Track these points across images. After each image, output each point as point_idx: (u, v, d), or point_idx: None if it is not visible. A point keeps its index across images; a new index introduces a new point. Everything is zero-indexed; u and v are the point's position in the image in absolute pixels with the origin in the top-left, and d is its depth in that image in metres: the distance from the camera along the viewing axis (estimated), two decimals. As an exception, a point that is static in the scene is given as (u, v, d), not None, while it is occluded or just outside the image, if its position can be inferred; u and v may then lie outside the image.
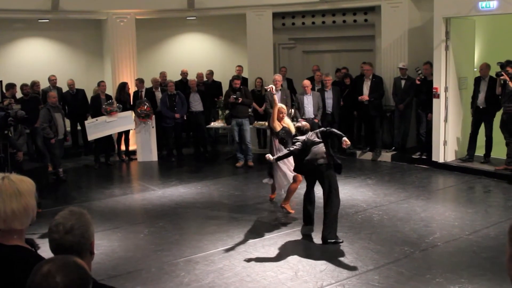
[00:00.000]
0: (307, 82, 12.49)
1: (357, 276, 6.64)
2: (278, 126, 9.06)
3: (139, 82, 14.40)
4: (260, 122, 13.66)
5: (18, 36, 15.82)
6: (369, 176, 11.76)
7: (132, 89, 14.57)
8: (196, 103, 14.20)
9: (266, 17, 15.15)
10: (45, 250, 2.73)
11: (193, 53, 17.11)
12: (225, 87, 14.79)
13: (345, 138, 7.90)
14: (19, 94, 13.26)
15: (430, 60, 12.29)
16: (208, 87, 15.06)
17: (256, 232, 8.40)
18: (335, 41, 15.77)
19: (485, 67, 11.61)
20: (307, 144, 8.02)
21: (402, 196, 10.20)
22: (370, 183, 11.25)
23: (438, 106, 12.08)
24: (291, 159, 8.82)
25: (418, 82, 12.44)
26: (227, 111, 13.78)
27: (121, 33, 15.19)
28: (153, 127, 13.95)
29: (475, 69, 12.74)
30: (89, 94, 14.54)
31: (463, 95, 12.35)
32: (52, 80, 14.42)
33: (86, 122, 13.52)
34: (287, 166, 9.05)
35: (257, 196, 10.49)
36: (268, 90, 9.77)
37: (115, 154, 14.46)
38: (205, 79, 15.39)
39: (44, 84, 14.36)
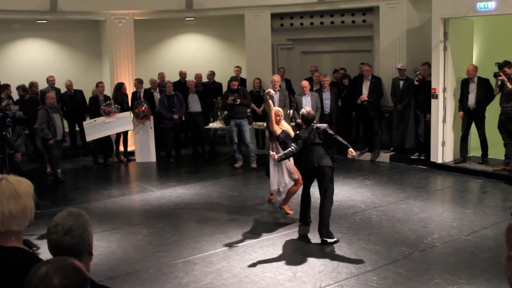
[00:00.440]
0: (305, 83, 12.48)
1: (356, 277, 6.64)
2: (278, 130, 9.03)
3: (138, 82, 14.39)
4: (259, 123, 13.66)
5: (16, 37, 15.81)
6: (367, 177, 11.76)
7: (130, 89, 14.56)
8: (195, 104, 14.19)
9: (265, 18, 15.16)
10: (43, 251, 2.73)
11: (192, 54, 17.11)
12: (225, 88, 14.80)
13: (351, 149, 7.92)
14: (14, 95, 13.24)
15: (429, 61, 12.30)
16: (209, 87, 15.05)
17: (254, 233, 8.40)
18: (334, 41, 15.78)
19: (472, 69, 11.61)
20: (309, 142, 8.03)
21: (401, 196, 10.20)
22: (369, 183, 11.25)
23: (437, 106, 12.08)
24: (289, 165, 8.92)
25: (416, 83, 12.45)
26: (225, 112, 13.77)
27: (119, 33, 15.18)
28: (151, 128, 13.95)
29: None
30: (88, 95, 14.54)
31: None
32: (50, 81, 14.42)
33: (84, 123, 13.51)
34: (286, 171, 9.05)
35: (255, 197, 10.49)
36: (266, 92, 9.81)
37: (114, 155, 14.45)
38: (206, 79, 15.38)
39: (42, 85, 14.35)
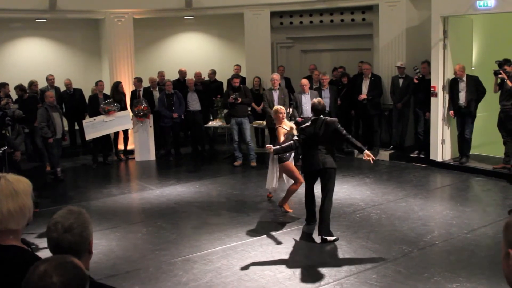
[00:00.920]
0: (305, 81, 12.48)
1: (355, 275, 6.64)
2: (282, 136, 8.97)
3: (137, 81, 14.39)
4: (258, 121, 13.66)
5: (16, 35, 15.80)
6: (367, 175, 11.76)
7: (129, 88, 14.56)
8: (194, 102, 14.18)
9: (264, 16, 15.16)
10: (43, 250, 2.72)
11: (191, 53, 17.11)
12: (225, 87, 14.79)
13: (366, 152, 7.91)
14: (12, 94, 13.23)
15: (428, 59, 12.30)
16: (209, 86, 15.05)
17: (254, 231, 8.39)
18: (333, 40, 15.78)
19: (459, 68, 11.59)
20: (316, 137, 7.94)
21: (400, 195, 10.20)
22: (368, 182, 11.25)
23: (436, 105, 12.09)
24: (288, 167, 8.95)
25: (416, 81, 12.45)
26: (225, 110, 13.77)
27: (118, 32, 15.18)
28: (151, 126, 13.95)
29: (473, 68, 12.76)
30: (87, 94, 14.53)
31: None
32: (50, 80, 14.42)
33: (84, 121, 13.52)
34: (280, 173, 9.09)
35: (255, 196, 10.49)
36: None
37: (113, 154, 14.46)
38: (207, 78, 15.37)
39: (42, 84, 14.35)
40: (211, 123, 14.49)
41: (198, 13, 15.86)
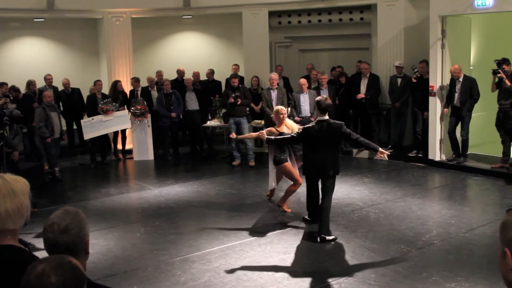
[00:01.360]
0: (303, 81, 12.47)
1: (354, 275, 6.63)
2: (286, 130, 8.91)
3: (135, 81, 14.41)
4: (257, 121, 13.66)
5: (14, 35, 15.80)
6: (365, 175, 11.76)
7: (127, 87, 14.56)
8: (192, 102, 14.18)
9: (262, 16, 15.16)
10: (40, 250, 2.72)
11: (189, 52, 17.10)
12: (224, 87, 14.79)
13: (380, 150, 7.91)
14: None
15: (426, 58, 12.31)
16: (207, 86, 15.04)
17: (252, 231, 8.39)
18: (331, 39, 15.78)
19: (454, 69, 11.59)
20: (318, 138, 7.82)
21: (399, 194, 10.20)
22: (367, 181, 11.25)
23: (434, 104, 12.09)
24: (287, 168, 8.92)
25: (414, 80, 12.46)
26: (224, 110, 13.76)
27: (117, 32, 15.18)
28: (149, 126, 13.94)
29: (471, 68, 12.76)
30: (85, 93, 14.51)
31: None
32: (48, 79, 14.41)
33: (82, 121, 13.52)
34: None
35: (253, 195, 10.48)
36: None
37: (111, 153, 14.45)
38: (205, 77, 15.36)
39: (40, 83, 14.33)
40: (210, 123, 14.48)
41: (196, 13, 15.85)
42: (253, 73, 14.63)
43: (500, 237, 2.01)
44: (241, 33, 15.40)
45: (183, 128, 15.16)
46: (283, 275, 6.69)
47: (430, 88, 12.09)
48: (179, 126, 14.44)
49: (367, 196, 10.16)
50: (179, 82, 14.93)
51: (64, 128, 13.74)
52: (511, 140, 11.11)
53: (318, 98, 8.21)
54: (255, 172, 12.38)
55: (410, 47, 13.40)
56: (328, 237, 7.77)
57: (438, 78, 11.98)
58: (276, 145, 8.86)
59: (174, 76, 15.31)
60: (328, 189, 7.95)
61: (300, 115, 12.26)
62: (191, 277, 6.69)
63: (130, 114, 13.77)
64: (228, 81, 13.62)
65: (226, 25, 16.84)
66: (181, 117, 13.99)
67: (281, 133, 8.78)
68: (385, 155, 7.96)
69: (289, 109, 12.36)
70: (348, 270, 6.79)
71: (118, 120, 13.54)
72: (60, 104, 14.31)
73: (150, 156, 14.09)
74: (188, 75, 14.89)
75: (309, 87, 12.83)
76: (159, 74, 15.13)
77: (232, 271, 6.85)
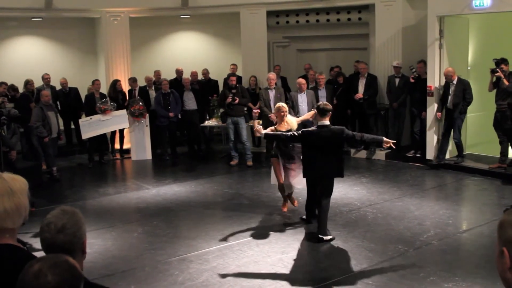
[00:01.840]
0: (302, 80, 12.44)
1: (351, 275, 6.64)
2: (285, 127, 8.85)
3: (132, 81, 14.41)
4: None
5: (12, 34, 15.78)
6: (363, 175, 11.77)
7: (126, 87, 14.54)
8: (190, 102, 14.17)
9: (260, 16, 15.15)
10: (37, 250, 2.72)
11: (187, 52, 17.10)
12: (221, 86, 14.78)
13: (385, 140, 7.92)
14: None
15: (424, 59, 12.31)
16: (204, 85, 15.03)
17: (250, 230, 8.39)
18: (329, 39, 15.78)
19: (447, 72, 11.59)
20: (318, 144, 7.79)
21: (396, 194, 10.21)
22: (364, 181, 11.25)
23: (432, 104, 12.09)
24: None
25: (412, 81, 12.47)
26: (221, 110, 13.75)
27: (115, 31, 15.16)
28: (147, 125, 13.93)
29: (468, 68, 12.77)
30: (83, 93, 14.50)
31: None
32: (46, 79, 14.40)
33: (80, 120, 13.51)
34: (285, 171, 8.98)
35: (251, 195, 10.48)
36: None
37: (109, 153, 14.44)
38: (201, 77, 15.35)
39: (38, 83, 14.32)
40: (207, 123, 14.48)
41: (194, 12, 15.84)
42: (251, 73, 14.63)
43: (498, 236, 2.01)
44: (239, 32, 15.39)
45: (181, 128, 15.15)
46: (281, 275, 6.69)
47: (428, 88, 12.09)
48: (177, 126, 14.42)
49: (365, 196, 10.16)
50: (178, 82, 14.93)
51: (62, 127, 13.72)
52: (508, 140, 11.11)
53: (318, 104, 8.18)
54: (253, 172, 12.38)
55: (408, 47, 13.40)
56: (325, 237, 7.77)
57: (436, 78, 11.98)
58: (277, 144, 8.82)
59: (172, 75, 15.30)
60: (326, 189, 7.94)
61: (298, 115, 12.23)
62: (189, 277, 6.69)
63: (128, 113, 13.76)
64: (225, 80, 13.60)
65: (224, 25, 16.84)
66: (179, 116, 13.97)
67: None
68: (391, 144, 7.93)
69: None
70: (345, 270, 6.80)
71: (116, 120, 13.54)
72: (58, 103, 14.29)
73: (148, 155, 14.08)
74: (186, 75, 14.88)
75: (306, 87, 12.83)
76: (157, 73, 15.13)
77: (230, 271, 6.85)
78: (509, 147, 11.24)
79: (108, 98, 13.63)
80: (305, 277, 6.67)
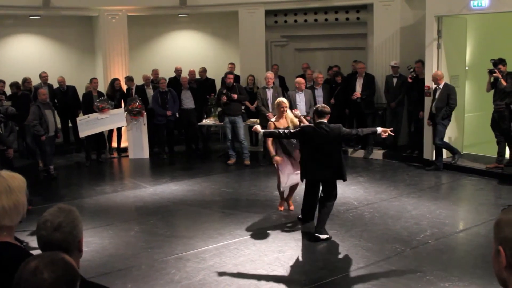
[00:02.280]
0: (301, 80, 12.42)
1: (348, 274, 6.65)
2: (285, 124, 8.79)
3: (128, 80, 14.40)
4: (252, 120, 13.63)
5: (9, 32, 15.76)
6: (360, 174, 11.77)
7: (123, 86, 14.52)
8: (188, 101, 14.17)
9: (259, 15, 15.15)
10: (34, 248, 2.72)
11: (185, 51, 17.10)
12: (218, 85, 14.78)
13: (382, 129, 7.92)
14: (7, 90, 13.24)
15: (422, 59, 12.32)
16: (201, 84, 15.02)
17: (247, 229, 8.39)
18: (328, 39, 15.77)
19: (434, 76, 11.60)
20: (316, 142, 7.75)
21: (393, 194, 10.22)
22: (362, 180, 11.26)
23: (430, 104, 12.08)
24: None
25: (410, 80, 12.47)
26: (219, 109, 13.75)
27: (113, 30, 15.15)
28: (144, 124, 13.92)
29: (466, 68, 12.78)
30: (81, 91, 14.50)
31: (455, 93, 12.37)
32: (43, 77, 14.39)
33: (77, 119, 13.50)
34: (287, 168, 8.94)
35: (248, 194, 10.49)
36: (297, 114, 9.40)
37: (107, 151, 14.43)
38: (198, 76, 15.34)
39: (35, 81, 14.31)
40: (205, 121, 14.47)
41: (192, 11, 15.84)
42: (249, 72, 14.63)
43: (494, 235, 2.02)
44: (237, 32, 15.39)
45: (178, 127, 15.15)
46: (278, 274, 6.70)
47: (425, 88, 12.09)
48: (174, 125, 14.42)
49: (362, 195, 10.17)
50: (176, 80, 14.92)
51: (59, 126, 13.71)
52: (506, 140, 11.13)
53: (317, 106, 8.17)
54: (250, 171, 12.38)
55: (406, 47, 13.40)
56: (322, 236, 7.77)
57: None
58: (277, 141, 8.78)
59: (170, 74, 15.28)
60: (331, 193, 7.90)
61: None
62: (186, 276, 6.69)
63: (126, 112, 13.74)
64: (223, 79, 13.61)
65: (222, 24, 16.85)
66: (176, 115, 13.96)
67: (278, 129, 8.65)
68: (389, 132, 7.95)
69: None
70: (342, 269, 6.81)
71: (114, 118, 13.53)
72: (56, 101, 14.28)
73: (146, 154, 14.07)
74: (184, 74, 14.88)
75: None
76: (155, 72, 15.11)
77: (226, 269, 6.85)
78: (506, 147, 11.25)
79: (106, 97, 13.62)
80: (302, 276, 6.67)
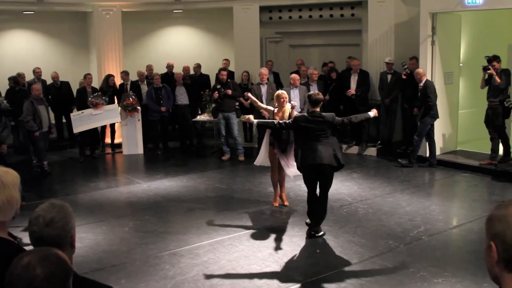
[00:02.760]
0: (296, 76, 12.40)
1: (342, 270, 6.66)
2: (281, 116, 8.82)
3: (125, 74, 14.35)
4: (246, 116, 13.61)
5: (3, 28, 15.70)
6: (354, 170, 11.79)
7: (118, 81, 14.48)
8: (182, 96, 14.15)
9: (253, 11, 15.13)
10: (26, 243, 2.71)
11: (180, 46, 17.07)
12: (212, 80, 14.77)
13: (372, 112, 8.01)
14: (4, 85, 13.22)
15: (416, 55, 12.34)
16: (196, 80, 15.00)
17: (241, 225, 8.40)
18: (322, 35, 15.76)
19: (416, 73, 11.66)
20: (311, 127, 7.67)
21: (387, 190, 10.24)
22: (356, 177, 11.28)
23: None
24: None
25: (404, 77, 12.48)
26: (213, 105, 13.73)
27: (107, 25, 15.10)
28: (139, 120, 13.89)
29: (460, 64, 12.81)
30: (75, 87, 14.46)
31: (449, 90, 12.40)
32: (37, 73, 14.35)
33: (71, 114, 13.47)
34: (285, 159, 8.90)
35: (242, 190, 10.49)
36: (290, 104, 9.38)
37: (101, 147, 14.40)
38: (192, 72, 15.32)
39: (29, 76, 14.26)
40: (199, 117, 14.45)
41: (187, 7, 15.82)
42: (243, 68, 14.60)
43: (486, 231, 2.03)
44: (232, 28, 15.37)
45: (173, 123, 15.13)
46: (272, 269, 6.71)
47: (419, 85, 12.10)
48: (168, 121, 14.40)
49: (356, 191, 10.19)
50: (169, 76, 14.89)
51: (53, 121, 13.67)
52: (499, 137, 11.16)
53: (309, 92, 8.17)
54: (244, 167, 12.38)
55: (400, 44, 13.41)
56: (314, 233, 7.77)
57: (428, 75, 12.00)
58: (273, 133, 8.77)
59: (164, 70, 15.25)
60: (326, 188, 7.80)
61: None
62: (180, 271, 6.69)
63: (120, 108, 13.71)
64: (217, 75, 13.58)
65: (217, 20, 16.81)
66: (170, 111, 13.94)
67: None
68: (375, 112, 8.07)
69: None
70: (336, 265, 6.82)
71: (108, 114, 13.50)
72: (49, 97, 14.25)
73: (140, 150, 14.05)
74: (178, 70, 14.85)
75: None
76: (149, 68, 15.08)
77: (220, 265, 6.86)
78: (500, 144, 11.29)
79: (100, 92, 13.59)
80: (296, 272, 6.68)
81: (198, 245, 7.58)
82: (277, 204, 9.28)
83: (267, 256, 7.15)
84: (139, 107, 13.79)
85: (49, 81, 14.58)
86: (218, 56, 15.85)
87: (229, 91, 12.84)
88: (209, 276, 6.53)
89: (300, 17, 15.48)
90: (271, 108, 9.12)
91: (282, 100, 8.88)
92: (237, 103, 13.37)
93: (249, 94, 9.61)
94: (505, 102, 10.90)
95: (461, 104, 12.93)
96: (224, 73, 13.15)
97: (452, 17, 12.28)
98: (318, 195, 7.87)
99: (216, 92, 12.86)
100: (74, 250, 2.60)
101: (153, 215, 9.08)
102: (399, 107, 13.23)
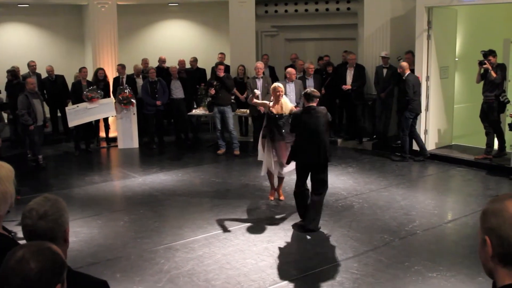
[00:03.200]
0: (292, 70, 12.35)
1: (336, 264, 6.67)
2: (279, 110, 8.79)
3: (121, 68, 14.29)
4: (242, 110, 13.62)
5: (-2, 21, 15.65)
6: (350, 164, 11.79)
7: (112, 75, 14.43)
8: (177, 90, 14.12)
9: (249, 4, 15.08)
10: (20, 238, 2.70)
11: (175, 40, 17.03)
12: (208, 74, 14.73)
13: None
14: (2, 79, 13.21)
15: (412, 49, 12.34)
16: (192, 74, 14.96)
17: (236, 219, 8.40)
18: (318, 29, 15.76)
19: (399, 66, 11.72)
20: (309, 125, 7.71)
21: (383, 184, 10.25)
22: (351, 171, 11.28)
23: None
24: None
25: (400, 71, 12.47)
26: (209, 99, 13.71)
27: (102, 18, 15.03)
28: (134, 114, 13.86)
29: (456, 59, 12.81)
30: (70, 80, 14.40)
31: (444, 84, 12.41)
32: (31, 66, 14.29)
33: (67, 108, 13.42)
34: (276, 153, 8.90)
35: (238, 184, 10.49)
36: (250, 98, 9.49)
37: (96, 141, 14.37)
38: (189, 66, 15.29)
39: (23, 70, 14.21)
40: (195, 111, 14.42)
41: (182, 0, 15.78)
42: (239, 62, 14.57)
43: (480, 225, 2.03)
44: (228, 21, 15.32)
45: (168, 117, 15.10)
46: (267, 263, 6.71)
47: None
48: (164, 114, 14.38)
49: (351, 186, 10.20)
50: (162, 70, 14.84)
51: (48, 115, 13.63)
52: (495, 131, 11.19)
53: (306, 90, 8.16)
54: (240, 161, 12.37)
55: (396, 38, 13.40)
56: (310, 228, 7.76)
57: (423, 69, 12.02)
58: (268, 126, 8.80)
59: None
60: (320, 182, 7.82)
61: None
62: (175, 266, 6.69)
63: (115, 101, 13.68)
64: (213, 69, 13.55)
65: (212, 13, 16.78)
66: (165, 105, 13.90)
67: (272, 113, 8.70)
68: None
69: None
70: (331, 259, 6.83)
71: (103, 108, 13.46)
72: (44, 91, 14.20)
73: (135, 144, 14.03)
74: (174, 63, 14.81)
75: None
76: (145, 61, 15.05)
77: (215, 259, 6.86)
78: (495, 139, 11.31)
79: (95, 86, 13.54)
80: (291, 266, 6.69)
81: (193, 239, 7.58)
82: (272, 198, 9.29)
83: (262, 250, 7.16)
84: (134, 101, 13.75)
85: (44, 74, 14.53)
86: (214, 50, 15.81)
87: (212, 91, 12.79)
88: (204, 270, 6.53)
89: (296, 11, 15.47)
90: (266, 102, 9.09)
91: (278, 93, 8.80)
92: (232, 97, 13.35)
93: (255, 100, 9.44)
94: (500, 97, 10.91)
95: (456, 99, 12.95)
96: (221, 67, 13.12)
97: (448, 11, 12.28)
98: (314, 190, 7.89)
99: (212, 88, 12.83)
100: (67, 244, 2.59)
101: (148, 209, 9.07)
102: (394, 102, 13.22)
